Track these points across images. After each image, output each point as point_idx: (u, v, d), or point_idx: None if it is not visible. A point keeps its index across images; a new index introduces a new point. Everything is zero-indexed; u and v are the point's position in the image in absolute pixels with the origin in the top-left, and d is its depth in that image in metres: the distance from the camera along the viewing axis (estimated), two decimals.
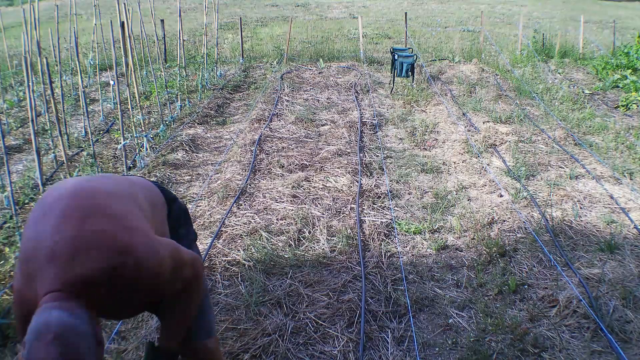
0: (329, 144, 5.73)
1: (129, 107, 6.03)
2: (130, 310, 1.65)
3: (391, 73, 8.39)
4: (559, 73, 9.41)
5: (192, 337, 1.88)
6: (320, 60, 10.57)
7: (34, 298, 1.43)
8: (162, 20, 10.37)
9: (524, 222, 3.95)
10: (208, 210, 4.22)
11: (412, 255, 3.63)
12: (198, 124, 6.63)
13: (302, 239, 3.78)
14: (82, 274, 1.43)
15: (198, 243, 3.64)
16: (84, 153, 5.55)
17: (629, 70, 8.60)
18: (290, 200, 4.34)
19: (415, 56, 8.26)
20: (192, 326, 1.85)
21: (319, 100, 7.70)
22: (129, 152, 5.52)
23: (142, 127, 5.70)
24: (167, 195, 1.88)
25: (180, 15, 7.67)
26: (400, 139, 6.11)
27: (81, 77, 5.65)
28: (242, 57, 11.05)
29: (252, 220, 4.02)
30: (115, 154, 5.63)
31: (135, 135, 5.56)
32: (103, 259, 1.45)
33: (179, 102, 7.33)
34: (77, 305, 1.40)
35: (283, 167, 5.06)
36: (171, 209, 1.86)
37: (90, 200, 1.57)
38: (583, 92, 7.98)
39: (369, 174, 5.01)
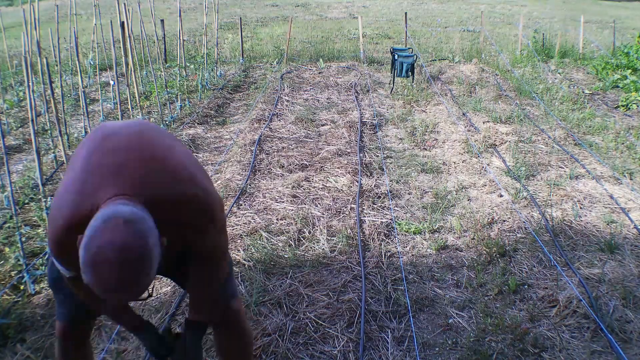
0: (329, 144, 5.73)
1: (129, 107, 6.03)
2: (166, 256, 1.57)
3: (391, 73, 8.38)
4: (559, 73, 9.41)
5: (217, 300, 1.89)
6: (320, 60, 10.57)
7: (93, 209, 1.34)
8: (162, 20, 10.37)
9: (524, 222, 3.95)
10: None
11: (412, 255, 3.63)
12: (198, 124, 6.64)
13: (302, 239, 3.78)
14: (160, 192, 1.40)
15: None
16: None
17: (629, 70, 8.60)
18: (290, 200, 4.34)
19: (415, 56, 8.25)
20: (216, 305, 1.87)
21: (319, 100, 7.70)
22: None
23: None
24: None
25: (180, 15, 7.67)
26: (400, 139, 6.11)
27: (81, 77, 5.65)
28: (242, 57, 11.04)
29: (252, 220, 4.02)
30: None
31: None
32: (183, 186, 1.46)
33: (179, 102, 7.33)
34: (147, 212, 1.35)
35: (283, 167, 5.06)
36: None
37: (160, 136, 1.58)
38: (583, 92, 7.98)
39: (369, 174, 5.01)
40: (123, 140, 1.48)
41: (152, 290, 1.56)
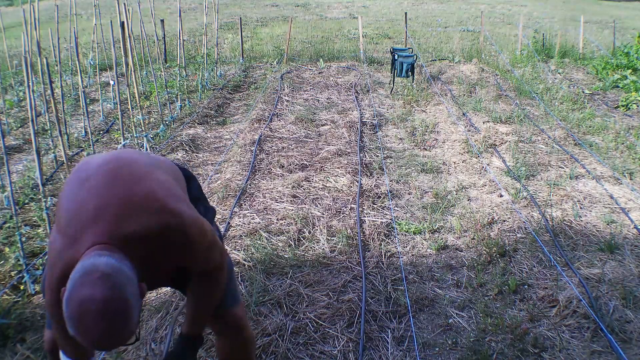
0: (329, 144, 5.73)
1: (129, 107, 6.02)
2: (160, 277, 1.62)
3: (391, 73, 8.38)
4: (559, 73, 9.41)
5: (219, 305, 1.89)
6: (320, 60, 10.57)
7: (76, 257, 1.41)
8: (162, 20, 10.37)
9: (524, 222, 3.95)
10: None
11: (412, 255, 3.63)
12: (198, 124, 6.63)
13: (302, 239, 3.78)
14: (132, 230, 1.44)
15: None
16: (84, 153, 5.55)
17: (629, 70, 8.60)
18: (290, 200, 4.34)
19: (415, 56, 8.25)
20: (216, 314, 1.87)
21: (319, 100, 7.70)
22: None
23: (142, 127, 5.70)
24: (185, 172, 1.92)
25: (180, 15, 7.67)
26: (400, 139, 6.11)
27: (81, 77, 5.65)
28: (242, 57, 11.04)
29: (252, 221, 4.02)
30: None
31: (135, 135, 5.56)
32: (154, 218, 1.48)
33: (179, 102, 7.33)
34: (124, 256, 1.41)
35: (283, 167, 5.06)
36: (190, 186, 1.90)
37: (133, 167, 1.61)
38: (583, 92, 7.98)
39: (369, 174, 5.01)
40: (100, 182, 1.54)
41: (139, 334, 1.59)
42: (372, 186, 4.66)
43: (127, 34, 5.31)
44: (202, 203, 1.96)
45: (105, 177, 1.55)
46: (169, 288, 3.17)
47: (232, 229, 3.90)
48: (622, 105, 7.27)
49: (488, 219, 4.04)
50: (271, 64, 10.63)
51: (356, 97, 7.87)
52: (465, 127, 6.28)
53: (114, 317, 1.29)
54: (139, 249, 1.45)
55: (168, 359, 1.76)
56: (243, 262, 3.46)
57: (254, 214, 4.13)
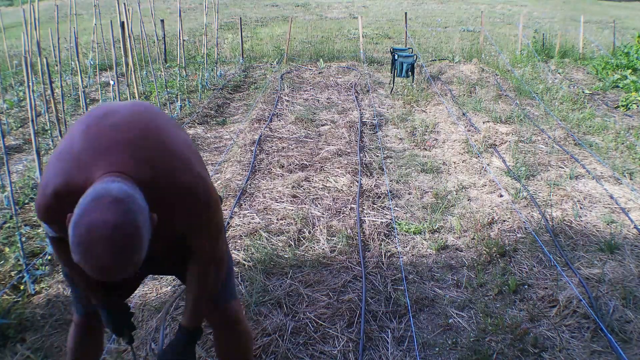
0: (329, 144, 5.73)
1: None
2: (159, 243, 1.49)
3: (391, 73, 8.38)
4: (559, 73, 9.41)
5: (216, 300, 1.89)
6: (320, 60, 10.57)
7: (86, 182, 1.35)
8: (162, 20, 10.37)
9: (524, 222, 3.95)
10: None
11: (412, 255, 3.63)
12: (198, 124, 6.63)
13: (302, 239, 3.78)
14: (149, 172, 1.39)
15: None
16: None
17: (629, 70, 8.60)
18: (290, 200, 4.34)
19: (415, 56, 8.25)
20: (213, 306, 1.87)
21: (319, 100, 7.70)
22: None
23: None
24: None
25: (180, 15, 7.67)
26: (400, 139, 6.11)
27: (81, 77, 5.65)
28: (242, 57, 11.04)
29: (252, 221, 4.02)
30: None
31: None
32: (173, 168, 1.44)
33: (178, 102, 7.33)
34: (137, 186, 1.35)
35: (283, 167, 5.06)
36: None
37: (160, 116, 1.57)
38: (583, 92, 7.98)
39: (369, 174, 5.01)
40: (123, 118, 1.47)
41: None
42: (372, 186, 4.66)
43: (127, 34, 5.31)
44: None
45: (131, 116, 1.49)
46: (169, 288, 3.17)
47: (232, 229, 3.90)
48: (622, 105, 7.27)
49: (488, 219, 4.04)
50: (271, 64, 10.63)
51: (356, 97, 7.87)
52: (465, 127, 6.28)
53: (124, 243, 1.23)
54: (153, 195, 1.38)
55: (168, 350, 1.75)
56: (243, 262, 3.46)
57: (254, 214, 4.13)
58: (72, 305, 1.99)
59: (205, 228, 1.60)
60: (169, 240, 1.61)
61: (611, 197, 4.37)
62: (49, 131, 5.66)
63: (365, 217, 4.12)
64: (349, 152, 5.47)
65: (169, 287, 3.19)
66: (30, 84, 3.89)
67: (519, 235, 3.81)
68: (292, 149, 5.57)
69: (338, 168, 5.00)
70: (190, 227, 1.56)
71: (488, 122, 6.40)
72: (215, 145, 5.97)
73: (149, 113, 1.55)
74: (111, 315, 1.78)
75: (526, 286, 3.22)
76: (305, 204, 4.27)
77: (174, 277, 2.99)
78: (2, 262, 3.38)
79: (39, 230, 3.83)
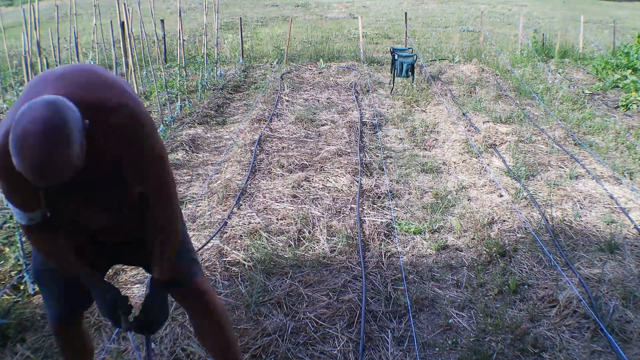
0: (329, 144, 5.73)
1: None
2: (97, 172, 1.57)
3: (391, 73, 8.39)
4: (559, 73, 9.41)
5: (182, 280, 1.92)
6: (320, 60, 10.57)
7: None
8: (162, 20, 10.36)
9: (524, 222, 3.95)
10: (208, 211, 4.22)
11: (412, 255, 3.63)
12: (198, 124, 6.63)
13: (302, 239, 3.78)
14: (89, 95, 1.51)
15: (197, 243, 3.65)
16: None
17: (629, 70, 8.60)
18: (290, 200, 4.34)
19: (415, 56, 8.26)
20: (181, 270, 1.91)
21: (319, 100, 7.70)
22: None
23: None
24: None
25: (180, 15, 7.67)
26: (400, 139, 6.12)
27: None
28: (242, 57, 11.04)
29: (252, 221, 4.02)
30: None
31: None
32: (116, 96, 1.56)
33: (178, 102, 7.33)
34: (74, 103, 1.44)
35: (283, 167, 5.06)
36: None
37: (103, 71, 1.70)
38: (583, 92, 7.98)
39: (369, 174, 5.02)
40: (68, 67, 1.64)
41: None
42: (372, 186, 4.66)
43: (127, 34, 5.31)
44: None
45: (73, 65, 1.66)
46: None
47: (232, 229, 3.90)
48: (622, 105, 7.27)
49: (488, 219, 4.04)
50: (271, 64, 10.63)
51: (356, 97, 7.87)
52: (465, 127, 6.28)
53: (53, 134, 1.31)
54: (91, 114, 1.47)
55: (146, 303, 1.83)
56: (243, 262, 3.46)
57: (254, 214, 4.13)
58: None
59: (146, 159, 1.63)
60: (107, 166, 1.60)
61: (611, 197, 4.37)
62: None
63: (365, 217, 4.12)
64: (349, 152, 5.47)
65: None
66: None
67: (519, 235, 3.80)
68: (292, 149, 5.57)
69: (338, 168, 5.00)
70: (131, 154, 1.59)
71: (488, 122, 6.40)
72: (215, 145, 5.97)
73: (88, 65, 1.70)
74: (101, 296, 1.79)
75: (526, 286, 3.22)
76: (305, 204, 4.27)
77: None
78: (2, 262, 3.38)
79: None
